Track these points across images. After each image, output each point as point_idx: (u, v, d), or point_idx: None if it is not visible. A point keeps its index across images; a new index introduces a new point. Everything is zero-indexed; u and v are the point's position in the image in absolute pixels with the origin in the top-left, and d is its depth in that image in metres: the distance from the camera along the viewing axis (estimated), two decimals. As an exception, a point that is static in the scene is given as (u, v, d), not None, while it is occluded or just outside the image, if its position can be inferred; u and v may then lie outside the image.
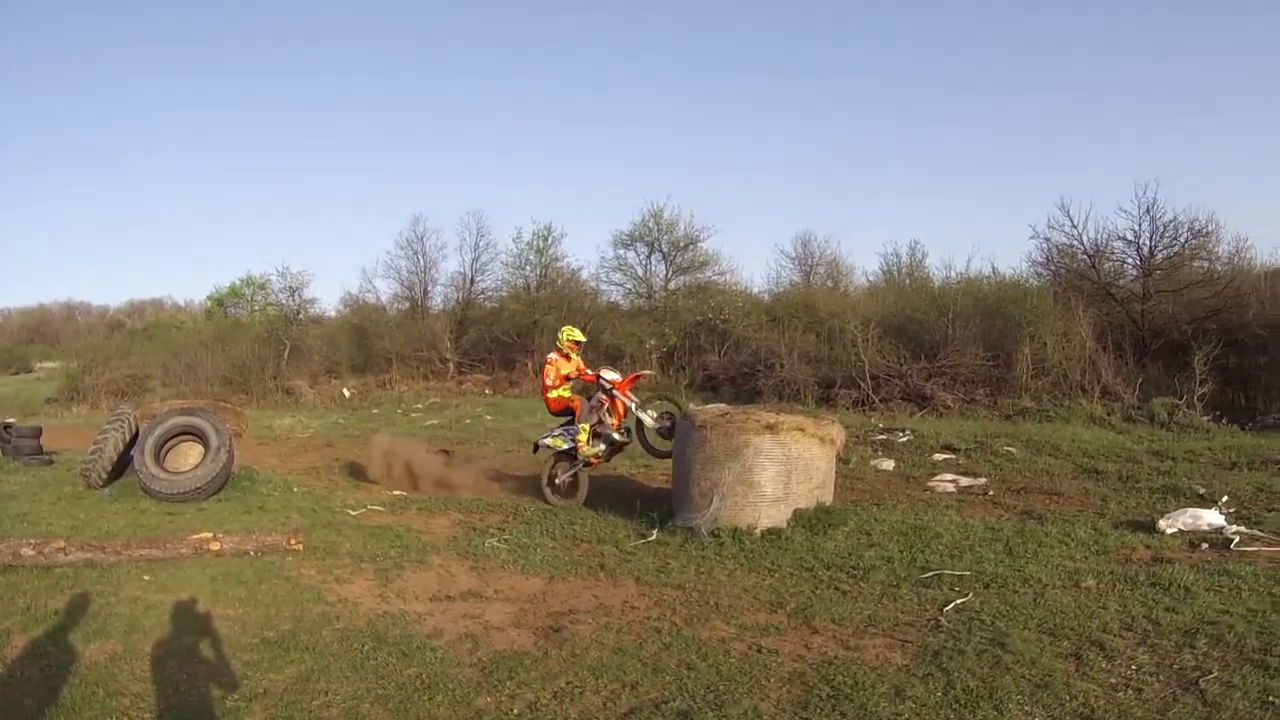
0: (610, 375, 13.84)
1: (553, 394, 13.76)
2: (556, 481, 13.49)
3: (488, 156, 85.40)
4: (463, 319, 37.79)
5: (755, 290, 38.22)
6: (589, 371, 13.99)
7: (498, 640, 7.18)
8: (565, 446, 13.54)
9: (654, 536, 10.78)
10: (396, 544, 10.22)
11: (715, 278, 37.50)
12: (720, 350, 32.10)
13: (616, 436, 13.50)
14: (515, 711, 5.72)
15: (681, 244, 37.11)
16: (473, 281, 39.11)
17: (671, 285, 37.54)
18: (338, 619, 7.51)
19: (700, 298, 35.73)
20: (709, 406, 13.10)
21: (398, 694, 5.95)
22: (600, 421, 13.55)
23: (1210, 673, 6.00)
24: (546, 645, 7.03)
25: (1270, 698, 5.53)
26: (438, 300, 40.53)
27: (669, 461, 12.60)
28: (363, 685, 6.07)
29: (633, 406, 13.61)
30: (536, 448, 14.13)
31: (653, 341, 33.43)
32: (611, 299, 38.39)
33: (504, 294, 38.80)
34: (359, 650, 6.77)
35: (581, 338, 14.15)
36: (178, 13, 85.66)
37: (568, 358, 13.87)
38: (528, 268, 38.44)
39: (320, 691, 5.94)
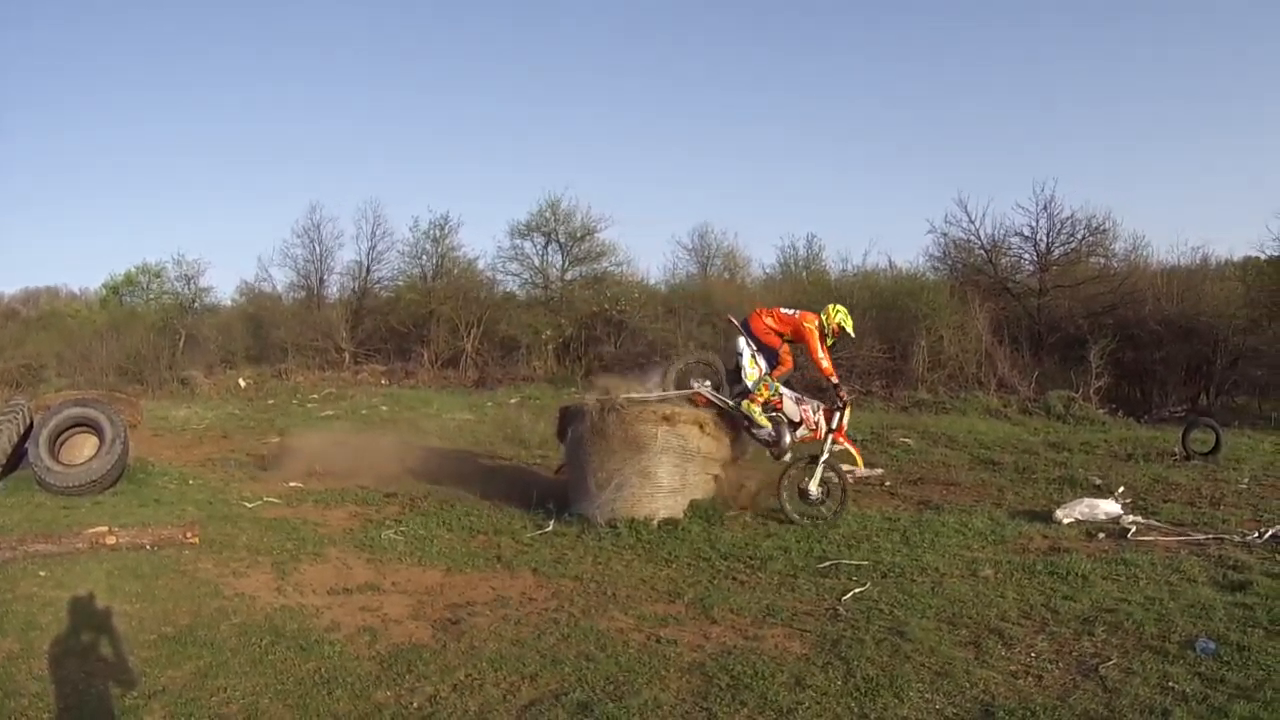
0: (845, 420, 11.61)
1: (766, 321, 11.75)
2: (691, 384, 11.95)
3: (385, 145, 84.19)
4: (359, 309, 37.25)
5: (651, 281, 38.40)
6: (830, 370, 11.55)
7: (396, 633, 7.22)
8: (746, 381, 11.56)
9: (551, 528, 10.91)
10: (293, 537, 10.20)
11: (612, 268, 37.60)
12: (616, 341, 32.19)
13: (786, 443, 11.43)
14: (415, 705, 5.77)
15: (578, 234, 37.04)
16: (369, 271, 38.43)
17: (568, 276, 37.41)
18: (235, 614, 7.48)
19: (597, 288, 35.74)
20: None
21: (297, 689, 5.96)
22: (793, 427, 11.52)
23: (1109, 659, 6.29)
24: (445, 638, 7.09)
25: (1170, 683, 5.82)
26: (334, 289, 39.67)
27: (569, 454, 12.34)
28: (261, 681, 6.08)
29: (825, 453, 11.35)
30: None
31: (549, 332, 33.37)
32: (508, 289, 38.12)
33: (400, 284, 38.26)
34: (257, 645, 6.76)
35: (850, 331, 11.88)
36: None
37: (824, 339, 11.59)
38: (424, 257, 37.92)
39: (219, 688, 5.93)
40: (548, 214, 37.03)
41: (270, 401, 27.62)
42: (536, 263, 37.64)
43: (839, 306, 11.95)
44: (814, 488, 11.22)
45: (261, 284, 40.65)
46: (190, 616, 7.34)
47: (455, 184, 75.34)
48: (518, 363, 33.32)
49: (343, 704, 5.77)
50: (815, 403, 11.64)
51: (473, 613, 7.75)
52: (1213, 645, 6.42)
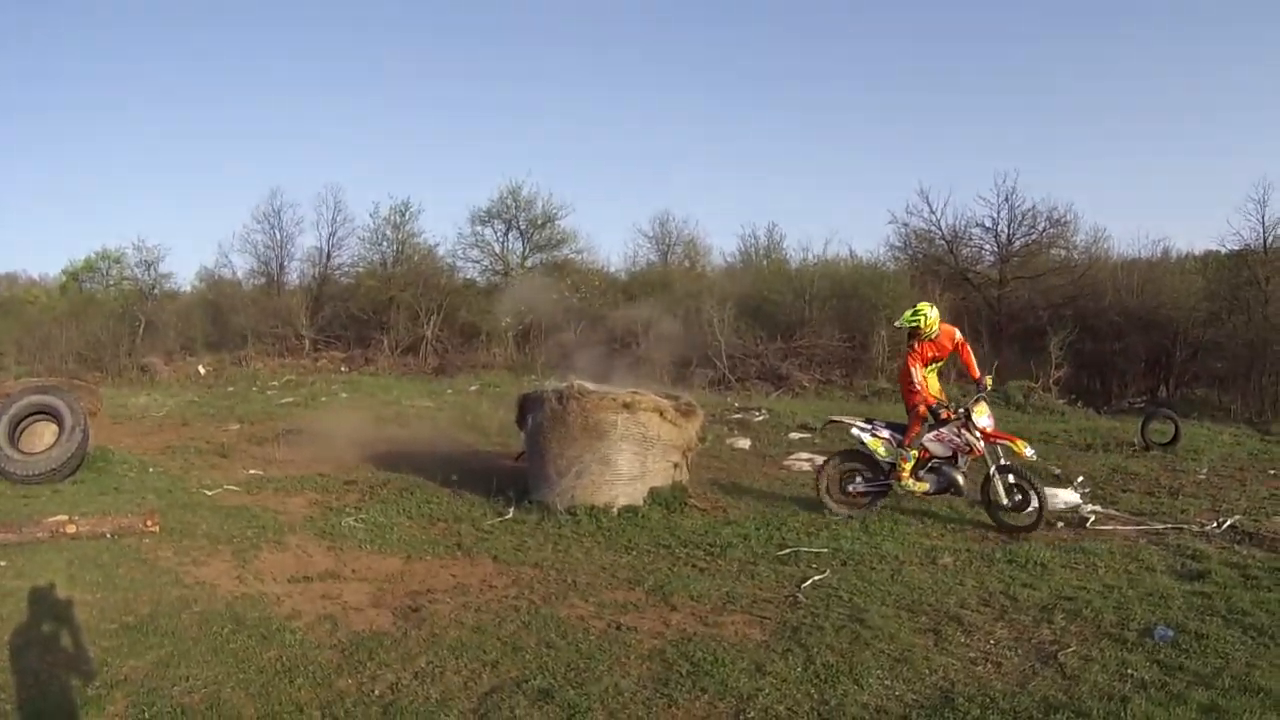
0: (983, 420, 10.46)
1: (916, 376, 10.72)
2: (848, 489, 11.03)
3: (345, 130, 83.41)
4: (319, 295, 37.05)
5: (612, 269, 38.70)
6: (915, 398, 10.74)
7: (356, 621, 7.22)
8: (884, 458, 10.82)
9: (510, 515, 10.96)
10: (253, 524, 10.18)
11: (572, 255, 37.82)
12: (576, 329, 32.25)
13: (960, 480, 10.60)
14: (376, 693, 5.78)
15: (539, 221, 37.13)
16: (329, 257, 38.38)
17: (528, 263, 37.53)
18: (196, 602, 7.46)
19: (557, 275, 35.79)
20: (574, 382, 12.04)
21: (258, 678, 5.96)
22: (953, 460, 10.61)
23: (1068, 646, 6.40)
24: (405, 625, 7.10)
25: (1128, 670, 5.92)
26: (294, 276, 39.64)
27: (529, 440, 12.23)
28: (223, 669, 6.06)
29: (992, 469, 10.24)
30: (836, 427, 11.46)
31: (508, 319, 33.35)
32: (468, 276, 38.19)
33: (360, 270, 38.21)
34: (218, 633, 6.74)
35: (921, 326, 10.92)
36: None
37: (919, 354, 10.96)
38: (384, 244, 37.92)
39: (181, 677, 5.91)
40: (509, 201, 37.05)
41: (230, 388, 27.46)
42: (497, 249, 37.67)
43: (917, 307, 11.22)
44: (1003, 499, 10.12)
45: (222, 270, 40.46)
46: (151, 605, 7.31)
47: (415, 170, 74.93)
48: (478, 350, 33.27)
49: (304, 692, 5.76)
50: (952, 424, 10.59)
51: (433, 600, 7.76)
52: (1171, 633, 6.54)
